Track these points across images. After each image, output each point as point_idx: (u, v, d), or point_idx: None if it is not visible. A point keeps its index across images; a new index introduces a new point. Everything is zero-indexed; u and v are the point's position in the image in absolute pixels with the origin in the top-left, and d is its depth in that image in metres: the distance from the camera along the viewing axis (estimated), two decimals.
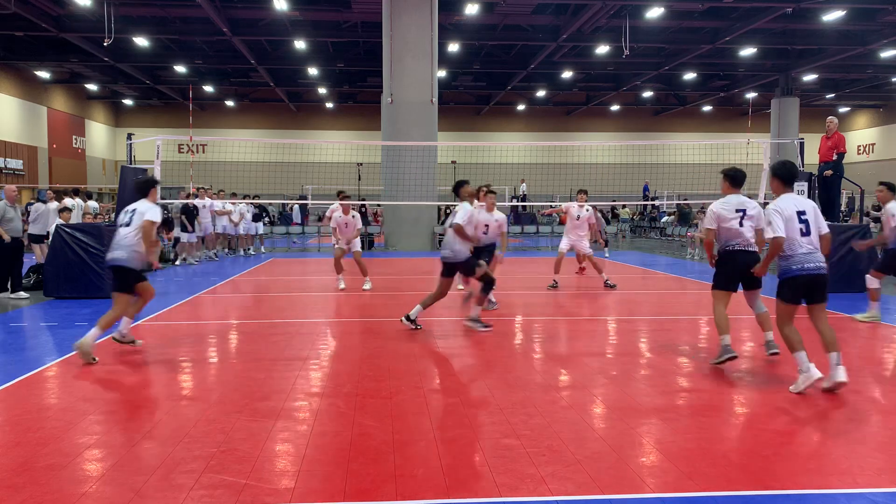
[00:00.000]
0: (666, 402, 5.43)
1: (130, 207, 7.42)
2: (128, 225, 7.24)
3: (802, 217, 5.62)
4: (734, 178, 6.61)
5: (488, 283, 8.30)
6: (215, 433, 4.64)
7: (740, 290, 6.69)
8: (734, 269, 6.40)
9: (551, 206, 13.27)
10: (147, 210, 7.23)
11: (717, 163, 23.09)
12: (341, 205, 12.31)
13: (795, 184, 12.10)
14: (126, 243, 7.11)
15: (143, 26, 26.39)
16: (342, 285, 12.29)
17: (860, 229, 11.97)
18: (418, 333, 8.20)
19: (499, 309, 10.02)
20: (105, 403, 5.36)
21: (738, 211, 6.36)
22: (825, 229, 5.77)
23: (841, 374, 5.49)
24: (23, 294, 11.19)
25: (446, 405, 5.34)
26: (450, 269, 8.30)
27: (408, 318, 8.40)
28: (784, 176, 5.82)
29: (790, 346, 5.65)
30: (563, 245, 12.58)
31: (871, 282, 9.02)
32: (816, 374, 5.51)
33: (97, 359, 6.69)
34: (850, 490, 3.76)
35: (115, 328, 7.25)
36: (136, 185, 7.71)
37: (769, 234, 5.61)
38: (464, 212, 8.06)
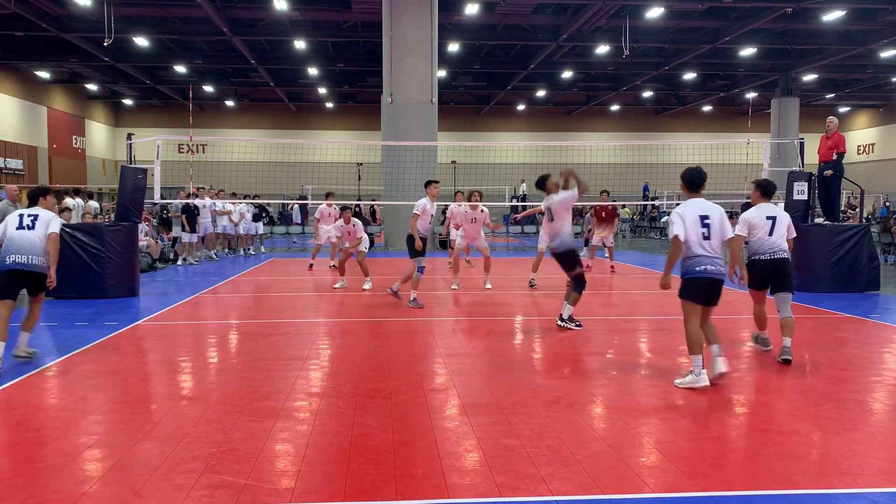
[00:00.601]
0: (666, 402, 5.43)
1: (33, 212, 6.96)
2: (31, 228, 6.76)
3: (705, 221, 5.77)
4: (765, 189, 7.01)
5: (579, 282, 8.45)
6: (215, 433, 4.64)
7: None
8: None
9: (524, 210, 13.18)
10: (52, 219, 6.87)
11: (718, 163, 23.08)
12: (344, 215, 12.58)
13: (795, 184, 12.21)
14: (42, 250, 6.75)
15: (143, 26, 26.39)
16: (343, 284, 12.41)
17: (860, 229, 11.96)
18: (418, 334, 8.20)
19: (498, 310, 10.02)
20: (105, 403, 5.36)
21: (768, 218, 6.75)
22: (729, 234, 5.96)
23: (721, 365, 5.80)
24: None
25: (446, 405, 5.34)
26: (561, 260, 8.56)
27: (562, 319, 8.56)
28: (689, 182, 5.99)
29: (689, 346, 5.82)
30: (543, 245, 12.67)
31: None
32: (704, 381, 5.70)
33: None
34: (850, 490, 3.76)
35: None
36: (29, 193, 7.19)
37: (670, 234, 5.86)
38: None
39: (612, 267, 15.46)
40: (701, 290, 5.79)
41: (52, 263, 6.78)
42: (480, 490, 3.75)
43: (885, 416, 5.13)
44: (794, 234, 6.91)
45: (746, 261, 6.88)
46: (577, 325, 8.47)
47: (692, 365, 5.75)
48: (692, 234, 5.76)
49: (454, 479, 3.90)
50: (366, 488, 3.78)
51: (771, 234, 6.66)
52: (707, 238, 5.76)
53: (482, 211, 12.35)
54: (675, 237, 5.77)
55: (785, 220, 6.80)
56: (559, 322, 8.54)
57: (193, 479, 3.88)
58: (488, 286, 12.35)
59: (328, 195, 16.03)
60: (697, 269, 5.74)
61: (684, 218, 5.78)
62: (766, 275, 6.76)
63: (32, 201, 7.16)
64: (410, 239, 10.36)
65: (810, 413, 5.14)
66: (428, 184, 10.69)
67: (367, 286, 12.17)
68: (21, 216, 6.85)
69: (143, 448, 4.38)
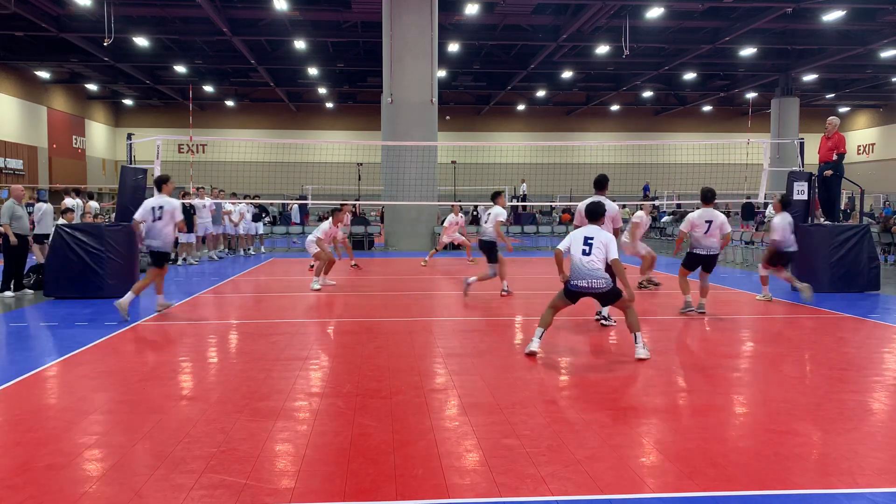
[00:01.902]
0: (666, 402, 5.43)
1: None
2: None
3: (588, 241, 6.94)
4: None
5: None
6: (215, 433, 4.64)
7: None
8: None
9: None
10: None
11: (718, 163, 23.04)
12: (336, 217, 12.83)
13: (795, 184, 12.23)
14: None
15: (143, 26, 26.40)
16: (320, 285, 12.30)
17: (860, 229, 11.96)
18: (417, 333, 8.20)
19: (498, 309, 10.02)
20: (105, 403, 5.36)
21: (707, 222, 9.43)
22: (613, 256, 6.91)
23: (640, 353, 6.82)
24: (28, 292, 11.32)
25: (446, 405, 5.34)
26: None
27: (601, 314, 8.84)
28: (587, 213, 7.26)
29: (542, 321, 7.11)
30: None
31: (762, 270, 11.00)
32: (534, 346, 6.99)
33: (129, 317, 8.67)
34: (850, 490, 3.76)
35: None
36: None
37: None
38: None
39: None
40: (573, 296, 7.10)
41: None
42: (480, 490, 3.75)
43: (885, 416, 5.13)
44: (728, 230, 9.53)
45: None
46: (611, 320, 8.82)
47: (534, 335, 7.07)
48: (575, 251, 6.97)
49: (454, 479, 3.90)
50: (366, 488, 3.78)
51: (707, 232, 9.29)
52: (586, 254, 6.91)
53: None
54: (555, 250, 7.22)
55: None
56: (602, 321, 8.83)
57: (193, 479, 3.88)
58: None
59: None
60: (572, 281, 7.00)
61: (572, 237, 7.11)
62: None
63: (158, 188, 9.56)
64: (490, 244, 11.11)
65: (810, 413, 5.14)
66: (498, 194, 11.40)
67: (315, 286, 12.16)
68: (153, 208, 9.30)
69: (143, 448, 4.38)
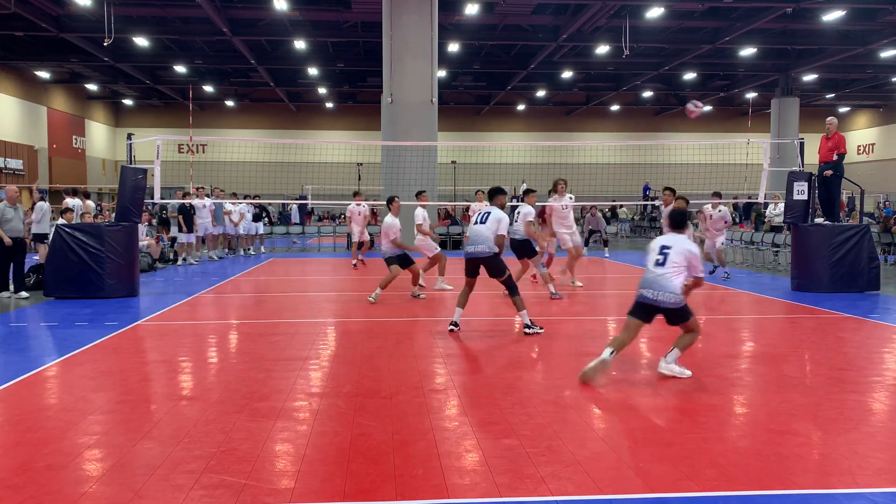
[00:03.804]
0: (666, 402, 5.43)
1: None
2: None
3: (664, 250, 6.11)
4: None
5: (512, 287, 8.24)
6: (215, 433, 4.64)
7: None
8: None
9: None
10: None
11: (718, 163, 22.98)
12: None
13: (795, 184, 12.22)
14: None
15: (143, 26, 26.38)
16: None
17: (860, 229, 11.96)
18: (417, 333, 8.20)
19: (498, 309, 10.02)
20: (105, 403, 5.36)
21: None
22: (696, 274, 6.21)
23: (672, 369, 6.19)
24: (23, 294, 11.20)
25: (446, 405, 5.34)
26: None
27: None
28: (670, 220, 6.49)
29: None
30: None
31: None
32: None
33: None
34: (850, 490, 3.76)
35: None
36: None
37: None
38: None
39: (534, 277, 12.93)
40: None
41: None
42: (480, 490, 3.75)
43: (885, 416, 5.13)
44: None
45: None
46: (539, 330, 8.14)
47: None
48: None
49: (454, 479, 3.90)
50: (366, 488, 3.78)
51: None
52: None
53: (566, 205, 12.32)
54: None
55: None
56: (526, 331, 8.12)
57: (193, 479, 3.88)
58: (578, 284, 12.36)
59: (356, 194, 16.63)
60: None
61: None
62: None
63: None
64: (519, 242, 11.06)
65: (810, 413, 5.14)
66: (528, 193, 11.41)
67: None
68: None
69: (143, 448, 4.38)
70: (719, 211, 13.74)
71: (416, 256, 11.58)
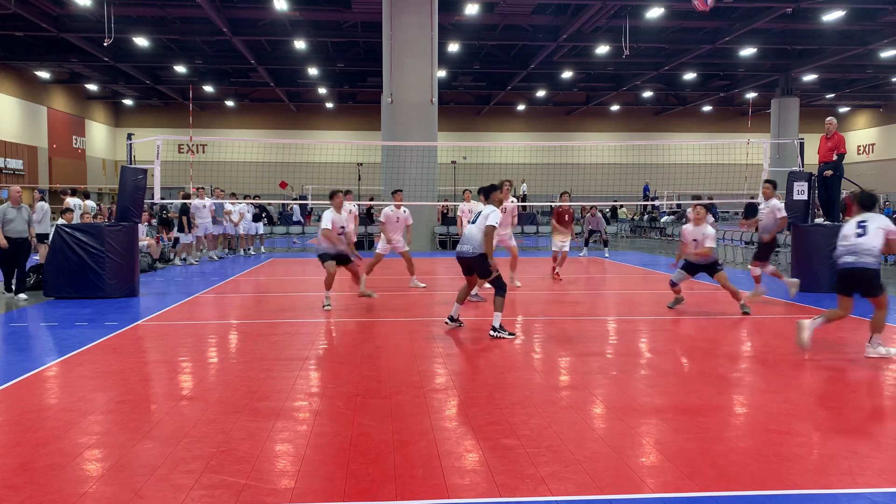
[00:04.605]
0: (666, 402, 5.43)
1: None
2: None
3: (861, 224, 6.95)
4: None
5: (500, 286, 8.05)
6: (215, 433, 4.64)
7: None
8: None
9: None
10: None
11: (718, 163, 22.96)
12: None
13: (795, 184, 12.22)
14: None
15: (143, 26, 26.39)
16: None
17: None
18: (417, 333, 8.20)
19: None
20: (105, 403, 5.36)
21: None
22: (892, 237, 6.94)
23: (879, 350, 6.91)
24: (22, 296, 11.09)
25: (446, 405, 5.34)
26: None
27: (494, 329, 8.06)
28: (859, 203, 7.35)
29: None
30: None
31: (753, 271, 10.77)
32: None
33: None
34: (850, 490, 3.76)
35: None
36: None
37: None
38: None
39: (557, 273, 13.86)
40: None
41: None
42: (480, 490, 3.75)
43: (885, 416, 5.13)
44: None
45: None
46: (510, 335, 7.92)
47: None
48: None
49: (454, 479, 3.90)
50: (366, 488, 3.78)
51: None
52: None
53: (511, 201, 12.31)
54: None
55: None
56: (491, 333, 7.94)
57: (193, 479, 3.88)
58: (517, 283, 12.31)
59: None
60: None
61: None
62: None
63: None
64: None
65: (810, 413, 5.14)
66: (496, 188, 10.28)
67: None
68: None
69: (143, 448, 4.38)
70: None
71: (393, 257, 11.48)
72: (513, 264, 12.60)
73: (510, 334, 7.94)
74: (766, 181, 11.20)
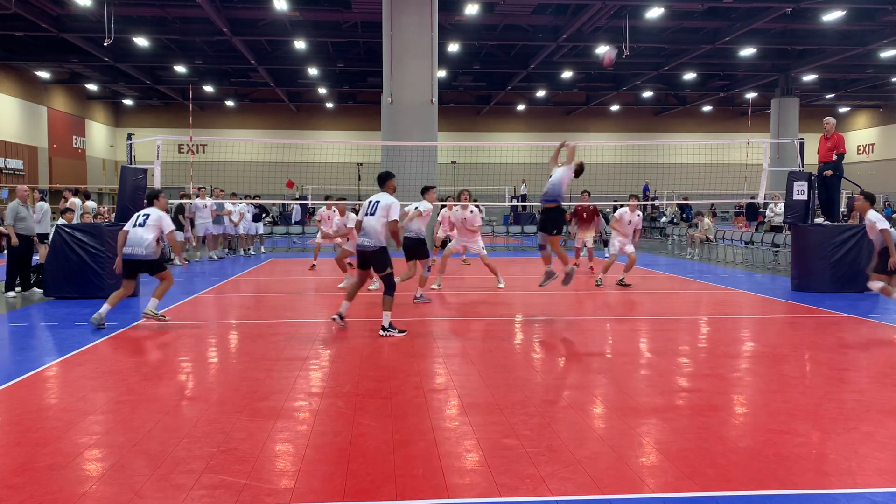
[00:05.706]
0: (666, 402, 5.43)
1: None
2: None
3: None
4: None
5: (390, 284, 7.99)
6: (215, 433, 4.64)
7: None
8: None
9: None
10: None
11: (718, 163, 22.95)
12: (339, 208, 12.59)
13: (795, 184, 12.22)
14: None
15: (143, 26, 26.39)
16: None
17: (860, 229, 11.95)
18: (418, 334, 8.20)
19: (498, 310, 10.01)
20: (105, 403, 5.36)
21: None
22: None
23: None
24: (11, 294, 11.32)
25: (446, 405, 5.34)
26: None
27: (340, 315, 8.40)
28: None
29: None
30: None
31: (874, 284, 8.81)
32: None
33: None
34: (850, 490, 3.76)
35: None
36: None
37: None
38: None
39: (592, 267, 15.05)
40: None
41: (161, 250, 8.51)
42: (480, 490, 3.75)
43: (885, 416, 5.13)
44: None
45: None
46: (400, 332, 7.96)
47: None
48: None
49: (454, 479, 3.90)
50: (366, 488, 3.78)
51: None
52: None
53: (472, 211, 12.05)
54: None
55: None
56: (382, 332, 7.96)
57: (193, 479, 3.88)
58: (501, 285, 12.26)
59: (327, 197, 15.97)
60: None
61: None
62: None
63: (149, 202, 8.96)
64: (413, 242, 10.41)
65: (810, 413, 5.14)
66: (426, 189, 10.76)
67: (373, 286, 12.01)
68: (137, 216, 8.67)
69: (143, 448, 4.38)
70: (637, 215, 12.94)
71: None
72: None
73: (400, 332, 7.97)
74: (861, 193, 9.45)
